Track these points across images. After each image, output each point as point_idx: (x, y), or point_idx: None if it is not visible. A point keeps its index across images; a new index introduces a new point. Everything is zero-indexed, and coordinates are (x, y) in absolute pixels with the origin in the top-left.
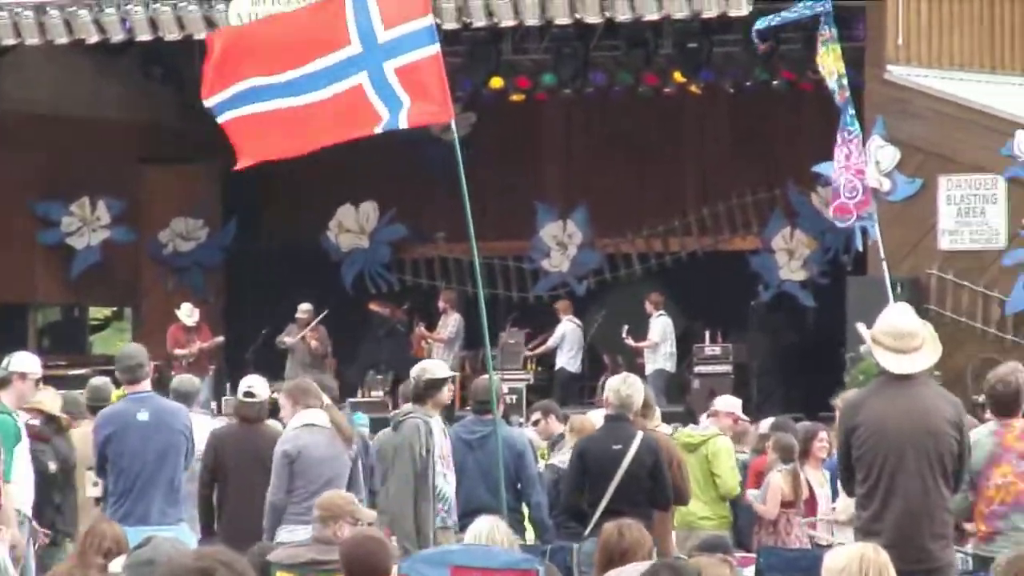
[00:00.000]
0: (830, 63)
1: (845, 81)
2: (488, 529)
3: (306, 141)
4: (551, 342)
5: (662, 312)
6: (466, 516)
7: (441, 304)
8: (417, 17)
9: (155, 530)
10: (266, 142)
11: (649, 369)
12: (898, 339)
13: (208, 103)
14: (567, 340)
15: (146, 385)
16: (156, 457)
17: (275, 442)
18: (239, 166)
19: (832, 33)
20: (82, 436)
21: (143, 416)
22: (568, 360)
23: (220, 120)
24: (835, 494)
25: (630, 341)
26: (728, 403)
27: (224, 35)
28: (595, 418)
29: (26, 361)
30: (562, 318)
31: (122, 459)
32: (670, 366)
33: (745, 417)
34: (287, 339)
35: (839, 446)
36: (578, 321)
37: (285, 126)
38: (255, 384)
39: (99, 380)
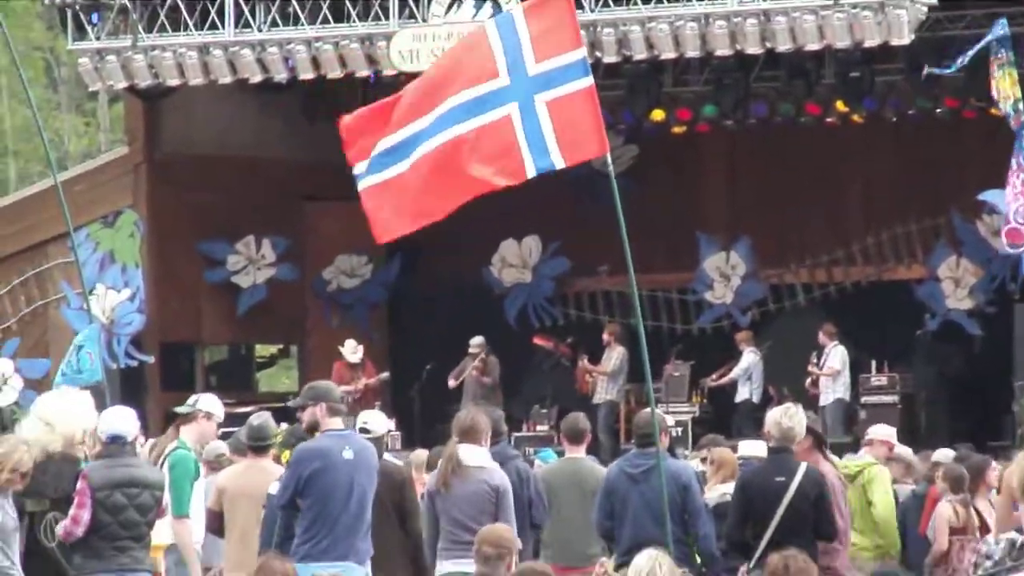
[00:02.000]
0: (1007, 87)
1: (1021, 106)
2: (649, 564)
3: (452, 201)
4: (735, 373)
5: (836, 342)
6: (632, 550)
7: (605, 337)
8: (570, 50)
9: (346, 567)
10: (407, 207)
11: (827, 399)
12: None
13: (355, 171)
14: (753, 371)
15: (339, 422)
16: (359, 496)
17: (389, 475)
18: (380, 239)
19: (1008, 56)
20: (233, 473)
21: (348, 455)
22: (752, 391)
23: (362, 186)
24: None
25: (815, 370)
26: (882, 432)
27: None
28: (744, 450)
29: (213, 403)
30: (744, 349)
31: (327, 498)
32: (849, 395)
33: (899, 445)
34: (451, 381)
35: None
36: (759, 351)
37: (426, 180)
38: (370, 419)
39: (259, 420)
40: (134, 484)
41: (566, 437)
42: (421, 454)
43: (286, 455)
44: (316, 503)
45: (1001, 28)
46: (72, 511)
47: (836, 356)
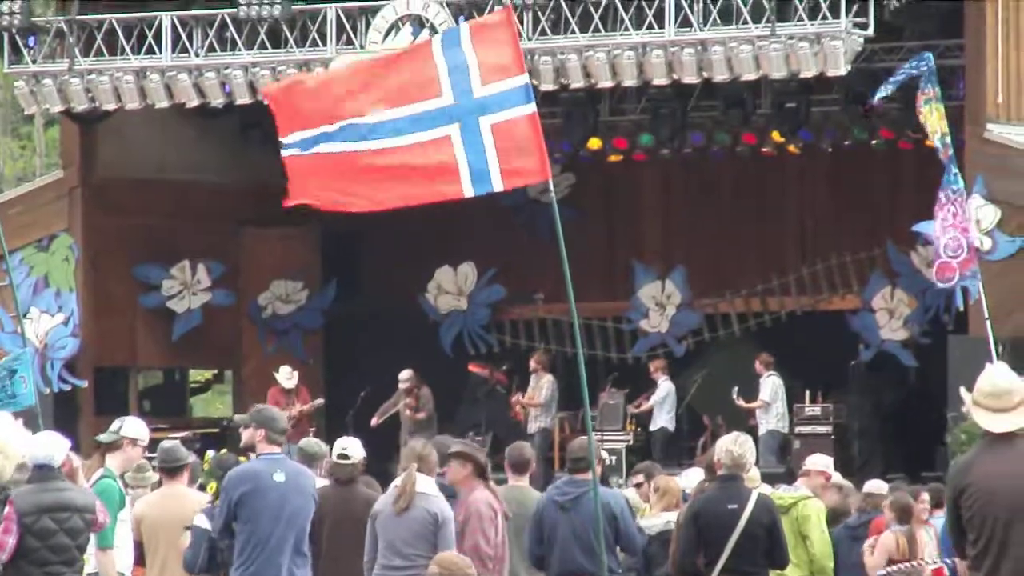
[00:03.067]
0: (934, 121)
1: (949, 139)
2: None
3: (382, 198)
4: (654, 399)
5: (772, 372)
6: None
7: (532, 365)
8: (513, 75)
9: None
10: (331, 186)
11: (762, 430)
12: (996, 398)
13: (284, 140)
14: (668, 399)
15: (276, 448)
16: (288, 519)
17: (367, 502)
18: (289, 201)
19: (935, 92)
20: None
21: (279, 477)
22: (667, 419)
23: (285, 154)
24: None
25: (741, 402)
26: (819, 462)
27: (301, 78)
28: (684, 480)
29: (138, 428)
30: (659, 377)
31: (256, 519)
32: (782, 426)
33: (835, 474)
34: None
35: (948, 509)
36: (671, 381)
37: (358, 173)
38: (349, 446)
39: (169, 443)
40: (63, 508)
41: (511, 467)
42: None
43: (213, 486)
44: (247, 526)
45: (925, 63)
46: None
47: (766, 387)
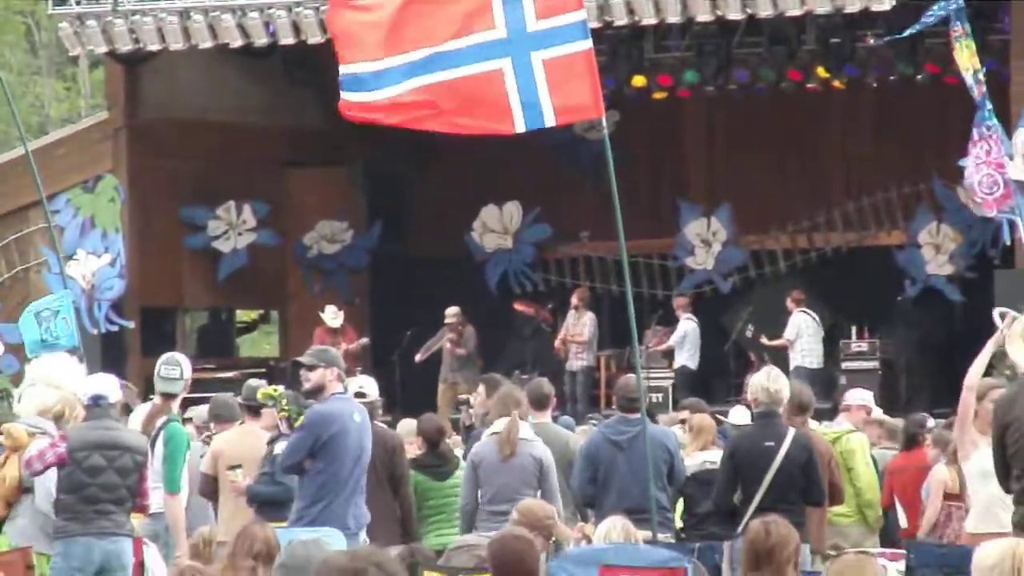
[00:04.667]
0: (965, 59)
1: (981, 76)
2: (606, 531)
3: (434, 119)
4: (672, 340)
5: (803, 309)
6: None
7: (574, 302)
8: (571, 10)
9: (329, 532)
10: (386, 118)
11: (791, 367)
12: None
13: (344, 71)
14: (688, 339)
15: (342, 388)
16: (362, 461)
17: (381, 441)
18: (344, 113)
19: (966, 29)
20: (229, 438)
21: (357, 418)
22: (688, 358)
23: (346, 97)
24: None
25: (764, 340)
26: (859, 396)
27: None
28: (732, 417)
29: (189, 366)
30: (681, 316)
31: (339, 460)
32: (810, 362)
33: (878, 408)
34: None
35: (993, 444)
36: (695, 318)
37: (411, 108)
38: (365, 384)
39: (255, 381)
40: (115, 447)
41: (532, 403)
42: (409, 423)
43: (301, 420)
44: (328, 467)
45: (955, 2)
46: (42, 447)
47: (790, 324)
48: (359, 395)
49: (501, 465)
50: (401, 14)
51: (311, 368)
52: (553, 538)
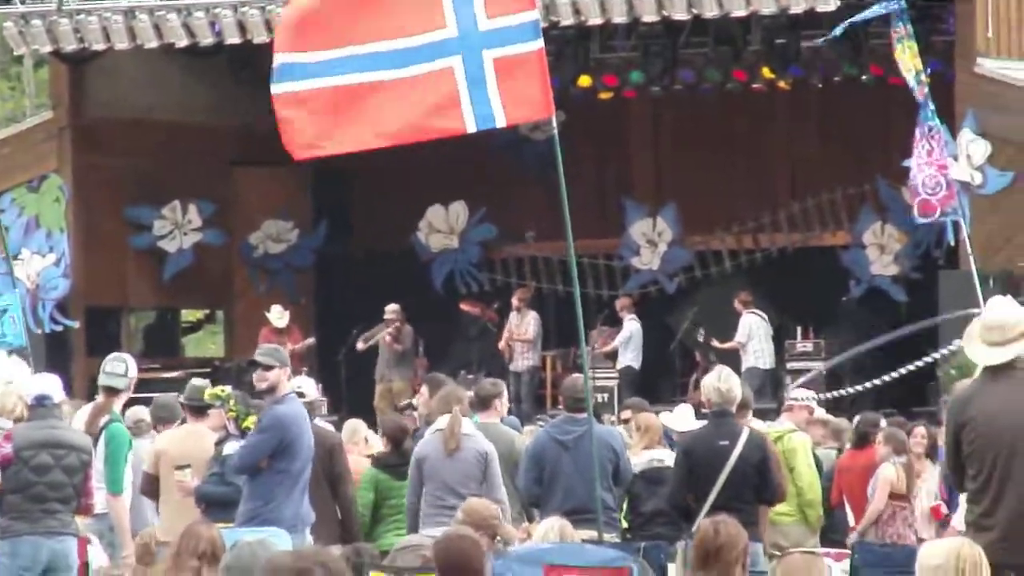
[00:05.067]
0: (907, 60)
1: (923, 77)
2: (543, 532)
3: (381, 131)
4: (618, 341)
5: (752, 310)
6: (565, 516)
7: (515, 303)
8: (522, 10)
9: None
10: (327, 125)
11: (742, 368)
12: (997, 331)
13: (277, 61)
14: (633, 339)
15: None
16: (310, 459)
17: (321, 441)
18: (297, 157)
19: (908, 30)
20: (173, 437)
21: (307, 418)
22: (632, 358)
23: (276, 90)
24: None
25: (715, 343)
26: (801, 395)
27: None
28: (674, 417)
29: (135, 367)
30: (625, 316)
31: (296, 460)
32: (762, 363)
33: (820, 408)
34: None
35: (947, 442)
36: (638, 319)
37: (355, 108)
38: (304, 384)
39: (199, 381)
40: (60, 445)
41: (477, 402)
42: (355, 423)
43: (250, 421)
44: (288, 467)
45: (896, 2)
46: None
47: (741, 326)
48: (298, 395)
49: (445, 461)
50: (348, 9)
51: (268, 368)
52: (498, 537)
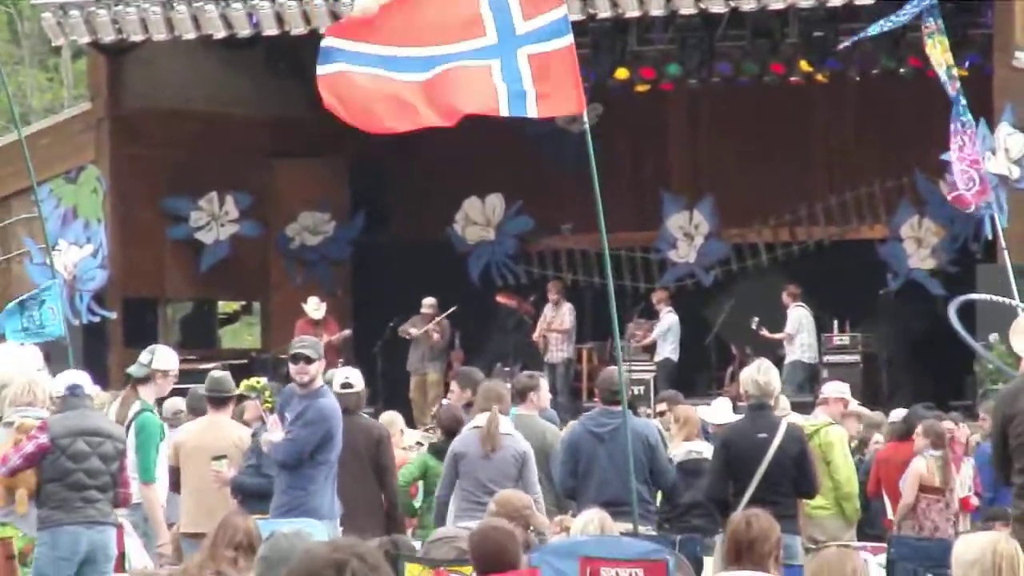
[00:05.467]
0: (938, 55)
1: (955, 72)
2: (583, 525)
3: (416, 119)
4: (656, 334)
5: (800, 304)
6: (600, 508)
7: (552, 296)
8: (554, 7)
9: (308, 523)
10: (366, 106)
11: (787, 361)
12: None
13: (324, 43)
14: (671, 331)
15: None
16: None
17: (369, 432)
18: (326, 104)
19: (939, 25)
20: (192, 429)
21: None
22: (671, 350)
23: (322, 70)
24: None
25: (764, 332)
26: (836, 389)
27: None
28: (711, 410)
29: (168, 358)
30: (662, 309)
31: (334, 450)
32: (808, 357)
33: (855, 401)
34: (412, 330)
35: (994, 435)
36: (675, 312)
37: (396, 99)
38: (351, 375)
39: (219, 372)
40: (96, 433)
41: (515, 395)
42: (392, 416)
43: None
44: (328, 458)
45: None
46: (7, 450)
47: (791, 319)
48: (346, 386)
49: (482, 459)
50: (393, 17)
51: (310, 361)
52: (531, 528)
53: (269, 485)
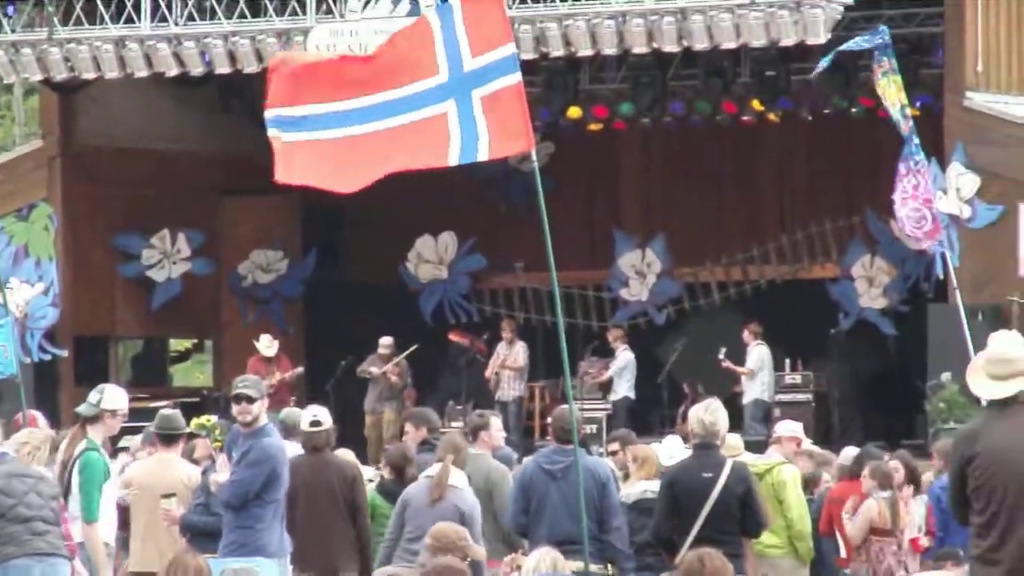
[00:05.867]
0: (892, 94)
1: (908, 111)
2: (535, 563)
3: (366, 170)
4: (612, 370)
5: (760, 341)
6: (549, 546)
7: (506, 335)
8: (501, 45)
9: (258, 562)
10: (318, 167)
11: (747, 399)
12: (1000, 365)
13: (269, 114)
14: (627, 369)
15: None
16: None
17: (341, 470)
18: (278, 177)
19: (892, 64)
20: (150, 467)
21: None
22: (628, 388)
23: (275, 135)
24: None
25: (729, 364)
26: (790, 428)
27: (299, 57)
28: (663, 448)
29: (117, 398)
30: (618, 347)
31: (280, 491)
32: (768, 396)
33: (807, 440)
34: (372, 369)
35: (952, 476)
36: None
37: (348, 155)
38: (319, 413)
39: (169, 411)
40: (27, 475)
41: (470, 432)
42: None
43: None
44: (274, 497)
45: (880, 36)
46: None
47: (752, 356)
48: (315, 424)
49: (427, 508)
50: (342, 62)
51: (251, 400)
52: (468, 559)
53: (217, 524)
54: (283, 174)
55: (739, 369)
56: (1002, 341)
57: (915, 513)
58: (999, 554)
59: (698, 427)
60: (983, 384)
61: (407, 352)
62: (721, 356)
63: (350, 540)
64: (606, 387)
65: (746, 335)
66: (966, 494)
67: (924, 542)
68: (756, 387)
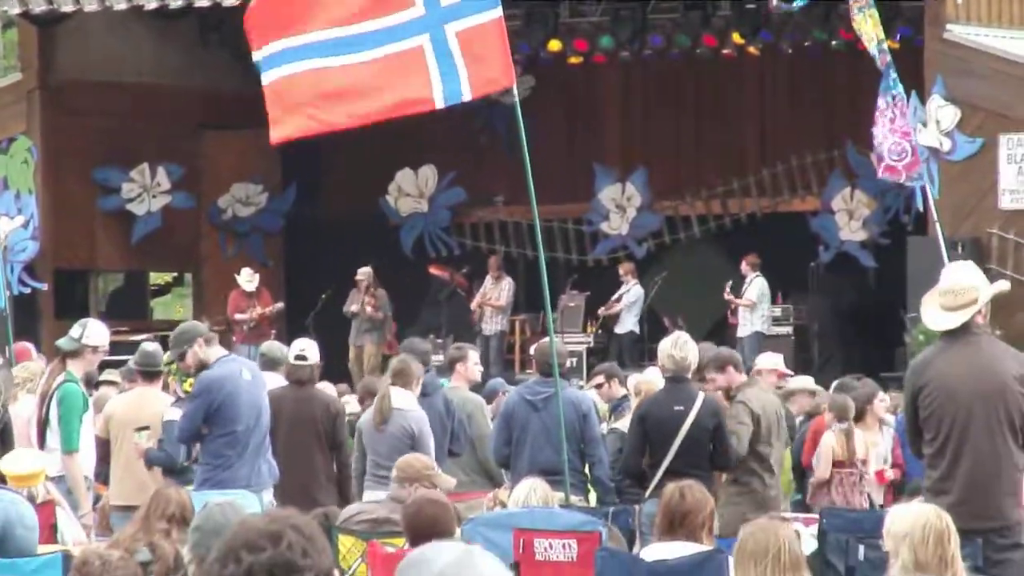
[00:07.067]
0: (869, 29)
1: (886, 45)
2: (525, 494)
3: (353, 112)
4: (623, 304)
5: (758, 273)
6: (532, 476)
7: (493, 271)
8: None
9: (241, 494)
10: (306, 112)
11: (745, 331)
12: (952, 296)
13: (257, 56)
14: (637, 303)
15: (221, 349)
16: (264, 416)
17: (324, 405)
18: (274, 139)
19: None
20: (130, 400)
21: (247, 375)
22: (634, 323)
23: (265, 80)
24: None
25: (731, 298)
26: (770, 360)
27: None
28: (646, 377)
29: (99, 334)
30: (629, 281)
31: (235, 421)
32: (766, 328)
33: (790, 372)
34: (353, 307)
35: (905, 408)
36: (641, 283)
37: (330, 90)
38: (307, 347)
39: (151, 346)
40: None
41: (446, 367)
42: (325, 386)
43: (188, 384)
44: (224, 430)
45: None
46: None
47: (753, 287)
48: (300, 357)
49: (376, 434)
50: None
51: (181, 356)
52: (437, 488)
53: (169, 460)
54: (277, 133)
55: (741, 301)
56: (954, 271)
57: (881, 446)
58: (948, 483)
59: (668, 362)
60: (935, 315)
61: (322, 298)
62: (727, 290)
63: (330, 474)
64: (612, 320)
65: (744, 267)
66: (918, 425)
67: (889, 474)
68: (757, 319)
